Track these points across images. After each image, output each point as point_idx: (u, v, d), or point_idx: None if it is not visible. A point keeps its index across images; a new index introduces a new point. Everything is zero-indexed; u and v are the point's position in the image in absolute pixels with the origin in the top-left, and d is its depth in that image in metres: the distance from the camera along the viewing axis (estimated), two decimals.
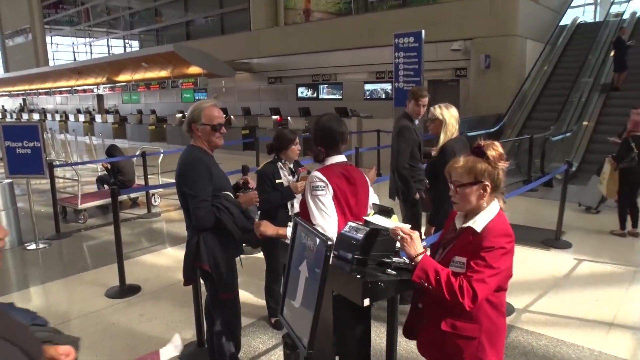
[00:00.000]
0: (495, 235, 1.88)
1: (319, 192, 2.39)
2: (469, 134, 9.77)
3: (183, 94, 21.02)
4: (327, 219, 2.37)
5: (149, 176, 8.35)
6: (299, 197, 3.68)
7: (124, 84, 20.19)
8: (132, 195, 8.21)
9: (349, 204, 2.48)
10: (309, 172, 3.73)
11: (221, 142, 2.82)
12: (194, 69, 16.51)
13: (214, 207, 2.70)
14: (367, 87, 15.32)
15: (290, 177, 3.72)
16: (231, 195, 2.80)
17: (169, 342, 1.58)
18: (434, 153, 3.77)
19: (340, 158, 2.53)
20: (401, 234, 1.99)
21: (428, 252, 2.00)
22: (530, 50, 12.99)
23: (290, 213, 3.69)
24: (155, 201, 8.25)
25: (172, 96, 21.66)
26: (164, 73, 18.03)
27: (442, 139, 3.65)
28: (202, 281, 2.99)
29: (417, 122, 4.49)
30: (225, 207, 2.71)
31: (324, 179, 2.41)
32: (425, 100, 4.40)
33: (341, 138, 2.50)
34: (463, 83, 13.30)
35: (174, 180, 2.89)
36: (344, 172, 2.48)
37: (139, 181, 8.56)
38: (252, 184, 2.97)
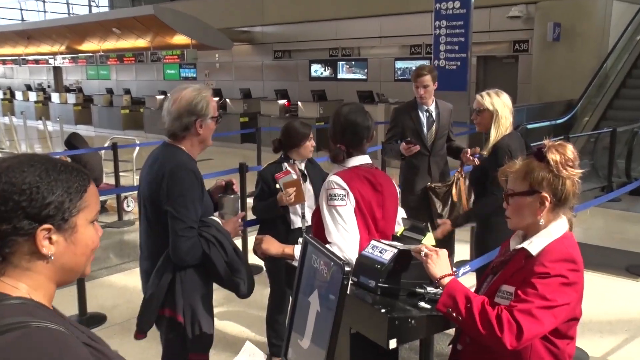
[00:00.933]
0: (552, 259, 1.88)
1: (337, 202, 2.44)
2: (529, 125, 9.73)
3: (166, 70, 21.26)
4: (345, 236, 2.42)
5: (120, 174, 8.46)
6: (310, 205, 3.74)
7: (90, 54, 20.39)
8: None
9: (374, 218, 2.52)
10: (294, 178, 3.72)
11: (211, 142, 2.84)
12: (180, 39, 16.65)
13: (202, 239, 2.61)
14: (399, 64, 15.33)
15: (301, 183, 3.76)
16: (219, 221, 2.75)
17: (241, 352, 1.62)
18: (484, 153, 3.77)
19: (364, 159, 2.58)
20: (425, 249, 2.03)
21: (477, 279, 2.02)
22: (618, 15, 12.75)
23: (294, 226, 3.75)
24: (128, 206, 8.38)
25: (151, 72, 21.90)
26: (141, 42, 18.21)
27: (493, 135, 3.67)
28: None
29: (429, 108, 4.67)
30: (218, 240, 2.62)
31: (345, 185, 2.45)
32: (424, 79, 4.56)
33: (366, 134, 2.55)
34: (523, 60, 13.23)
35: None
36: (368, 176, 2.53)
37: (108, 180, 8.69)
38: (237, 186, 2.95)
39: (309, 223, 3.67)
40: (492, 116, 3.69)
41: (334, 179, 2.47)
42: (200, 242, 2.59)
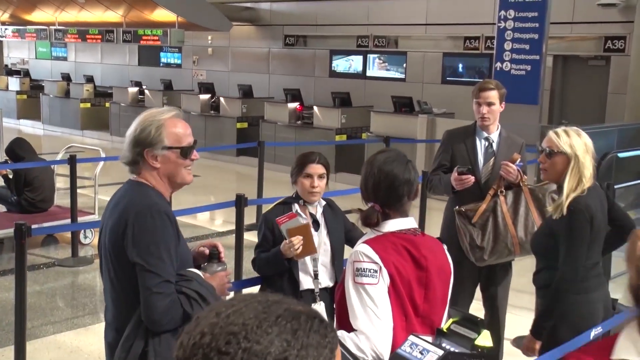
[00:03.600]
0: None
1: (365, 280, 2.49)
2: (621, 154, 9.57)
3: (141, 54, 21.41)
4: (376, 324, 2.46)
5: (79, 192, 8.40)
6: (324, 263, 3.79)
7: (42, 27, 20.46)
8: (47, 224, 8.28)
9: (414, 301, 2.57)
10: (304, 218, 3.71)
11: (191, 178, 2.90)
12: (162, 14, 16.78)
13: (182, 295, 2.69)
14: (449, 62, 15.37)
15: (312, 230, 3.78)
16: (199, 273, 2.83)
17: None
18: (555, 215, 3.61)
19: (405, 222, 2.63)
20: None
21: None
22: None
23: (303, 288, 3.77)
24: (86, 237, 8.36)
25: (122, 55, 22.10)
26: (111, 16, 18.34)
27: (568, 188, 3.55)
28: None
29: (489, 136, 4.76)
30: (202, 296, 2.69)
31: (376, 257, 2.51)
32: (489, 94, 4.64)
33: (407, 190, 2.60)
34: (617, 63, 13.13)
35: None
36: (409, 246, 2.57)
37: (61, 201, 8.70)
38: (223, 254, 3.03)
39: (323, 285, 3.80)
40: (567, 163, 3.55)
41: (363, 249, 2.53)
42: (180, 299, 2.67)
